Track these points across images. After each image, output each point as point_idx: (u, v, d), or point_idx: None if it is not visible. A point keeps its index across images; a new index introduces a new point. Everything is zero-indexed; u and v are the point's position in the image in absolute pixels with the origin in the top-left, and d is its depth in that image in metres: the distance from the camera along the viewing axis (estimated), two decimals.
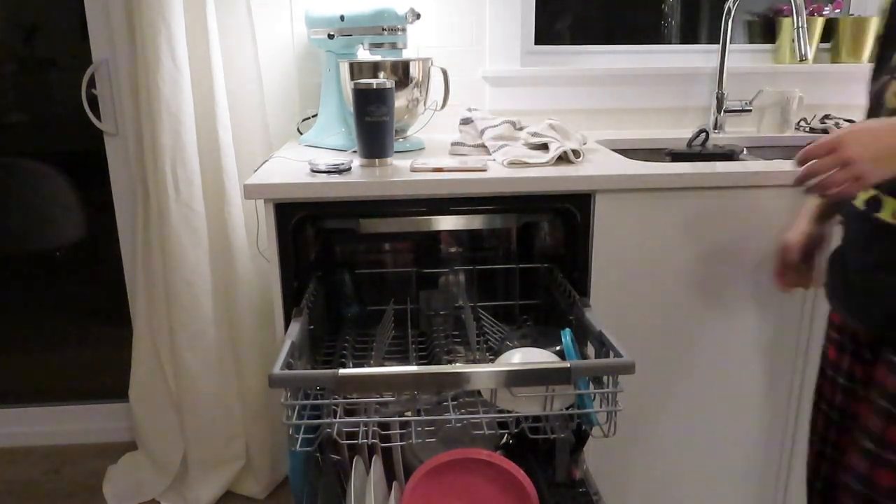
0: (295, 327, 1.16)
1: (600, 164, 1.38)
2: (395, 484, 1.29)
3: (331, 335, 1.52)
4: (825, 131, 1.83)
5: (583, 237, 1.33)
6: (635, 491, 1.53)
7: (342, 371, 0.97)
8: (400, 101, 1.49)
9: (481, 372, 0.99)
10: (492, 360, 1.25)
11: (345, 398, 1.07)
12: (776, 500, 1.56)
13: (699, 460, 1.52)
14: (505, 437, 1.38)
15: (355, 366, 1.37)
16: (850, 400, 1.09)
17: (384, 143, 1.37)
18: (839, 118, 1.85)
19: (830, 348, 1.12)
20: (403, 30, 1.55)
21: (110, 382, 2.10)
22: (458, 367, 1.05)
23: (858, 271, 1.00)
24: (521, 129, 1.55)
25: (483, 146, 1.51)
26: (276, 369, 0.97)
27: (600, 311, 1.29)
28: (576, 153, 1.40)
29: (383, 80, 1.36)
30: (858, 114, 1.94)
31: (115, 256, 1.98)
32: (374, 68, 1.48)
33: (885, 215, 0.94)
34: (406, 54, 1.60)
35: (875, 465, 0.97)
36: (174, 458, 1.86)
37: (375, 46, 1.54)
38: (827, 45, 1.99)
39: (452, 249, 1.70)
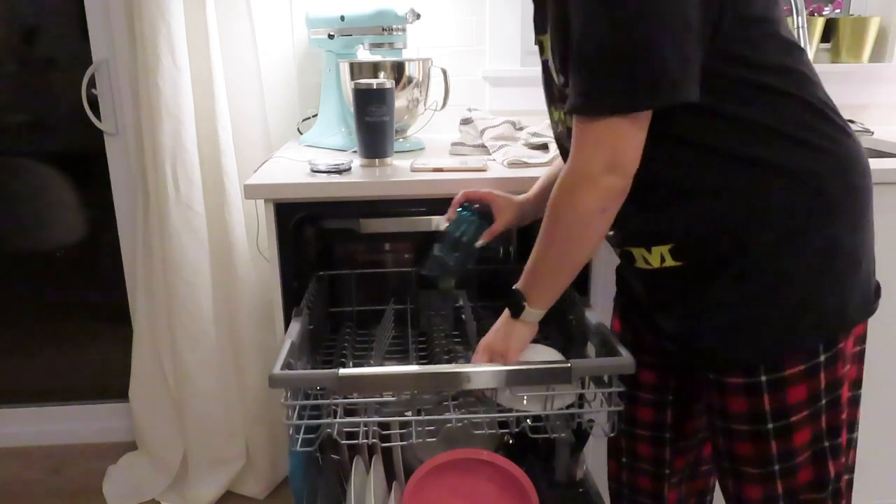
0: (295, 327, 1.16)
1: None
2: (395, 484, 1.29)
3: (331, 335, 1.52)
4: None
5: None
6: None
7: (342, 371, 0.97)
8: (400, 101, 1.50)
9: (481, 372, 0.99)
10: None
11: (345, 398, 1.07)
12: None
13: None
14: (505, 437, 1.37)
15: (355, 366, 1.37)
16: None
17: (384, 143, 1.37)
18: None
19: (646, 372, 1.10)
20: (403, 30, 1.55)
21: (110, 382, 2.10)
22: (457, 367, 1.05)
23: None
24: (521, 129, 1.55)
25: (483, 146, 1.51)
26: (276, 369, 0.98)
27: (600, 310, 1.29)
28: None
29: (383, 80, 1.36)
30: (859, 113, 1.95)
31: (115, 256, 1.98)
32: (374, 68, 1.48)
33: (639, 264, 0.97)
34: (406, 54, 1.60)
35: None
36: (174, 458, 1.86)
37: (375, 46, 1.54)
38: (827, 45, 1.99)
39: None
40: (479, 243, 1.16)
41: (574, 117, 0.83)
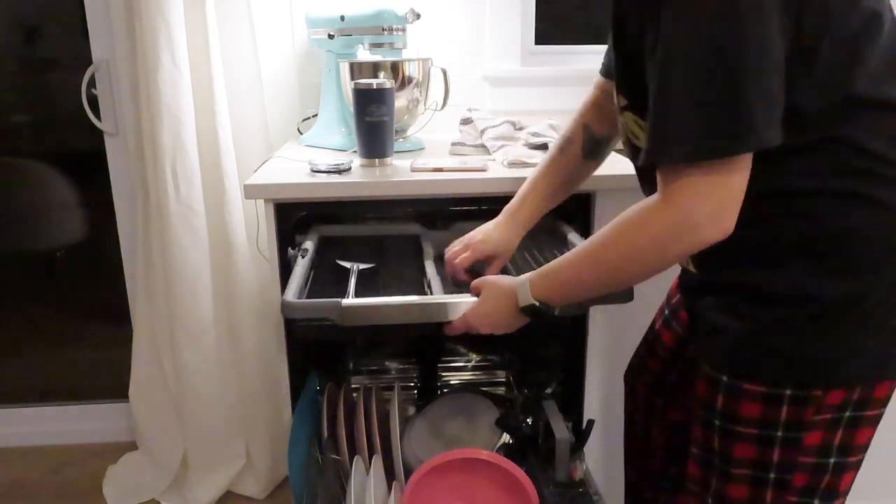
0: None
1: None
2: (395, 484, 1.29)
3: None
4: None
5: (583, 237, 1.33)
6: None
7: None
8: (400, 101, 1.50)
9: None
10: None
11: None
12: None
13: None
14: (505, 437, 1.38)
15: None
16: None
17: (384, 143, 1.37)
18: None
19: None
20: (403, 30, 1.55)
21: (110, 382, 2.10)
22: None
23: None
24: (521, 129, 1.55)
25: (483, 146, 1.51)
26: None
27: (600, 310, 1.29)
28: None
29: (383, 80, 1.36)
30: None
31: (115, 256, 1.98)
32: (374, 68, 1.48)
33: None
34: (406, 54, 1.60)
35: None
36: (174, 458, 1.86)
37: (375, 46, 1.54)
38: None
39: None
40: None
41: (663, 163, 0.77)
